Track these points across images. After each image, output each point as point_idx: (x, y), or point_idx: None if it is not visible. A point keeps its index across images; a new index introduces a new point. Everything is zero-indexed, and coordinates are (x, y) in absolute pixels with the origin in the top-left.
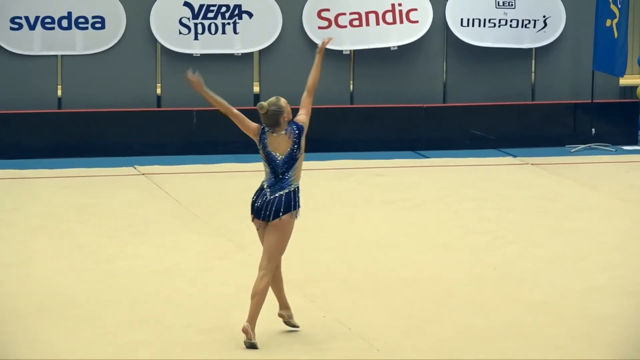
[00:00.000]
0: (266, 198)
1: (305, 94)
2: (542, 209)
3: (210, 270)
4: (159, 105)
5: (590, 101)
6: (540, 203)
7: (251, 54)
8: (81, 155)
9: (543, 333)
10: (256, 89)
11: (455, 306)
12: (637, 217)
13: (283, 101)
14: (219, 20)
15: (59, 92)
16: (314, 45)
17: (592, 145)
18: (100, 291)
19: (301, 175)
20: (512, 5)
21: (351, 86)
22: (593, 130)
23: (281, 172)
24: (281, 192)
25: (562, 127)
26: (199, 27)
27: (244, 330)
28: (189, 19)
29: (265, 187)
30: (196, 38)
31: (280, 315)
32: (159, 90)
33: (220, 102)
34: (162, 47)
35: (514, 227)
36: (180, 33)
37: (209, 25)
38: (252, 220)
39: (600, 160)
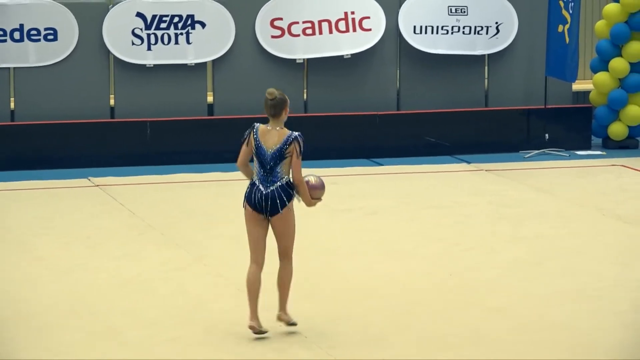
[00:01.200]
0: (261, 193)
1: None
2: (499, 215)
3: (169, 282)
4: (112, 117)
5: (543, 107)
6: (497, 209)
7: (204, 63)
8: (35, 167)
9: (504, 339)
10: (210, 98)
11: (415, 314)
12: (594, 222)
13: (286, 97)
14: (171, 31)
15: (12, 105)
16: (267, 54)
17: (546, 150)
18: (59, 303)
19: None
20: (464, 12)
21: (305, 95)
22: (547, 135)
23: (270, 166)
24: (274, 186)
25: (516, 133)
26: (152, 37)
27: (252, 327)
28: (141, 29)
29: (256, 181)
30: (149, 49)
31: (280, 318)
32: (112, 102)
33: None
34: (115, 58)
35: (472, 234)
36: (133, 44)
37: (162, 36)
38: (244, 207)
39: (555, 166)
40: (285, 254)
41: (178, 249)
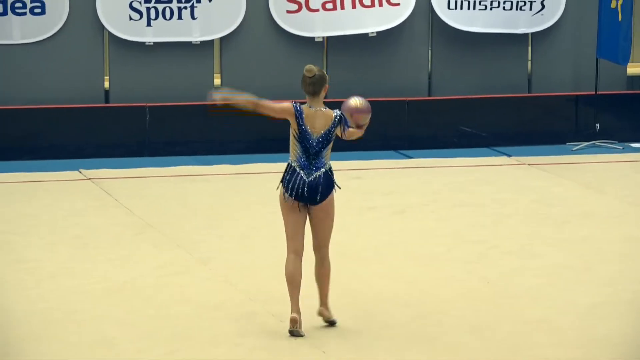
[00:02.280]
0: (303, 181)
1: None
2: (542, 215)
3: (168, 287)
4: (107, 101)
5: (594, 93)
6: (540, 208)
7: (211, 42)
8: (19, 158)
9: (541, 355)
10: (217, 81)
11: (444, 325)
12: None
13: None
14: (174, 4)
15: None
16: (282, 31)
17: (597, 142)
18: (43, 311)
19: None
20: None
21: None
22: (597, 125)
23: (315, 152)
24: (318, 173)
25: (563, 123)
26: (152, 11)
27: (294, 320)
28: (140, 2)
29: (296, 168)
30: (149, 24)
31: (320, 313)
32: (107, 84)
33: (255, 103)
34: (111, 34)
35: (510, 236)
36: (130, 19)
37: (163, 10)
38: (285, 200)
39: (606, 160)
40: (323, 246)
41: (179, 251)
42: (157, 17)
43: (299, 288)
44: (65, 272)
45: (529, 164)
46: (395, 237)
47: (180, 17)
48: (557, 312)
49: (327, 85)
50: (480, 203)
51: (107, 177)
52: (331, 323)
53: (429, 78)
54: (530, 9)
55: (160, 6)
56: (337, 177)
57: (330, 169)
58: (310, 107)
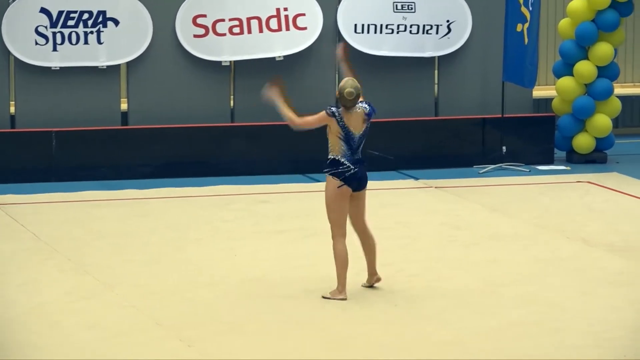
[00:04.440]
0: (358, 173)
1: None
2: (450, 237)
3: (75, 313)
4: (12, 126)
5: (500, 116)
6: (447, 231)
7: (118, 66)
8: None
9: None
10: (124, 106)
11: (352, 349)
12: (555, 246)
13: (356, 81)
14: (80, 29)
15: None
16: (189, 55)
17: (503, 165)
18: None
19: None
20: (411, 8)
21: (232, 102)
22: (504, 148)
23: (357, 147)
24: (362, 165)
25: (470, 146)
26: (58, 36)
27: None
28: (46, 27)
29: (345, 162)
30: (55, 49)
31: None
32: (12, 109)
33: (291, 122)
34: (16, 59)
35: (418, 259)
36: (36, 43)
37: (70, 35)
38: (339, 188)
39: (513, 182)
40: (366, 225)
41: (86, 276)
42: (63, 42)
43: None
44: None
45: (436, 187)
46: (303, 260)
47: (86, 42)
48: (467, 334)
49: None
50: (387, 226)
51: (13, 202)
52: (378, 279)
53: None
54: (437, 32)
55: (66, 31)
56: (245, 202)
57: (364, 158)
58: (348, 111)
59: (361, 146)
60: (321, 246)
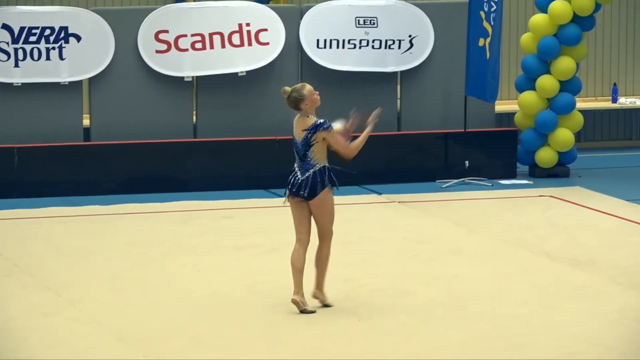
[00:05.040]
0: (298, 179)
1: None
2: (412, 252)
3: (37, 330)
4: None
5: (463, 130)
6: (410, 246)
7: (80, 82)
8: None
9: None
10: (86, 122)
11: None
12: (518, 260)
13: (307, 89)
14: (42, 45)
15: None
16: (151, 71)
17: (466, 179)
18: None
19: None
20: (374, 24)
21: (194, 117)
22: (467, 163)
23: (301, 154)
24: (308, 173)
25: (432, 160)
26: (20, 52)
27: (295, 302)
28: (7, 43)
29: (295, 168)
30: (16, 65)
31: (314, 296)
32: None
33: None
34: None
35: (380, 274)
36: None
37: (31, 51)
38: (287, 197)
39: (475, 197)
40: (322, 235)
41: (48, 292)
42: (24, 58)
43: (301, 273)
44: None
45: (399, 202)
46: (267, 275)
47: (48, 58)
48: (430, 349)
49: (305, 101)
50: (351, 241)
51: None
52: (326, 306)
53: None
54: (399, 47)
55: (28, 47)
56: (208, 218)
57: (321, 169)
58: (297, 116)
59: (307, 154)
60: (285, 260)
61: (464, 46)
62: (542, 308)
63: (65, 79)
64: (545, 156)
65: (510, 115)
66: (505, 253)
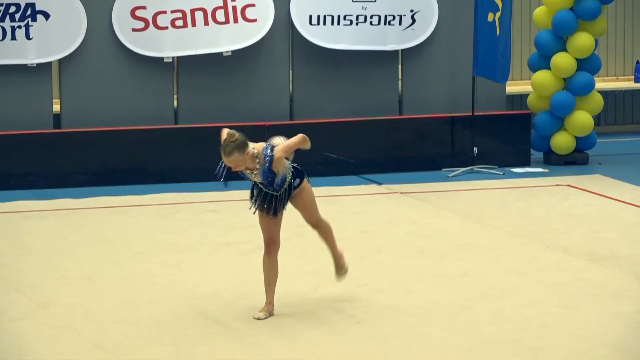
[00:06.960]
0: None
1: None
2: (417, 248)
3: (5, 336)
4: None
5: (471, 114)
6: (414, 241)
7: (49, 64)
8: None
9: None
10: (56, 107)
11: None
12: (532, 256)
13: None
14: (6, 23)
15: None
16: (127, 51)
17: (475, 167)
18: None
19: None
20: None
21: (175, 102)
22: (475, 149)
23: (267, 184)
24: (283, 189)
25: (438, 147)
26: None
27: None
28: None
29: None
30: None
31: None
32: None
33: None
34: None
35: (382, 272)
36: None
37: None
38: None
39: (485, 186)
40: (315, 224)
41: (16, 295)
42: None
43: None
44: None
45: (401, 193)
46: (255, 275)
47: (14, 38)
48: (436, 354)
49: (240, 157)
50: (348, 236)
51: None
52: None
53: (291, 100)
54: (400, 23)
55: None
56: (191, 211)
57: (292, 175)
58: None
59: (274, 179)
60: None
61: (471, 21)
62: (559, 308)
63: (32, 60)
64: (562, 141)
65: (523, 97)
66: (519, 248)
